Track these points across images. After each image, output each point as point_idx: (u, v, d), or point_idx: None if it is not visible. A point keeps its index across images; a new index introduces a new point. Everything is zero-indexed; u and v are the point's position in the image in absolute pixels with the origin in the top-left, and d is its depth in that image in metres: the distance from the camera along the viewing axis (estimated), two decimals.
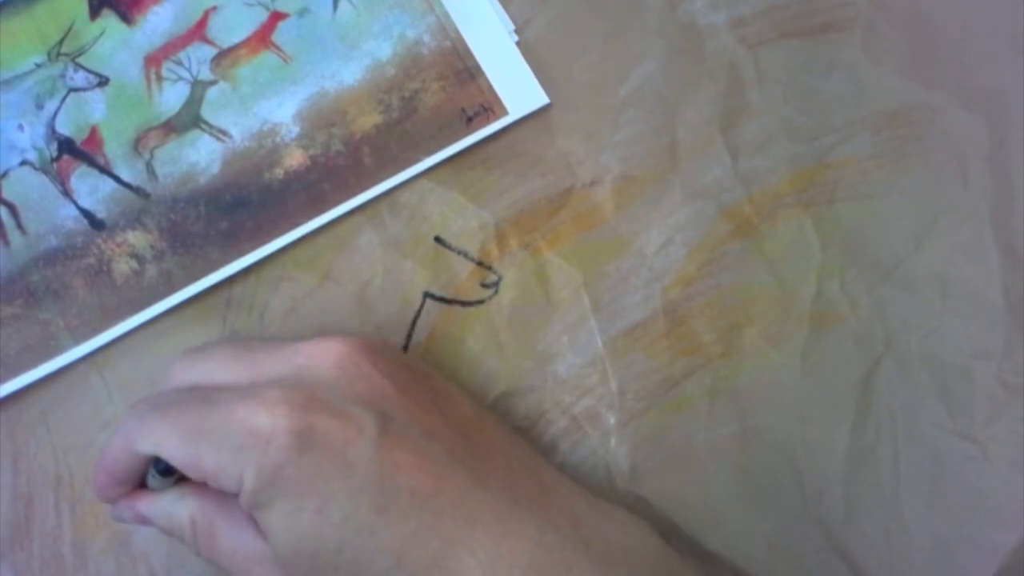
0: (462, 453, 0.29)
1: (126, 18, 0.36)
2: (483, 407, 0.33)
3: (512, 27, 0.37)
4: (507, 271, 0.36)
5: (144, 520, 0.31)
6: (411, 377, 0.31)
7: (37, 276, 0.34)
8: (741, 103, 0.37)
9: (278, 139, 0.36)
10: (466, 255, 0.36)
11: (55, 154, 0.35)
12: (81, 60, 0.36)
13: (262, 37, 0.36)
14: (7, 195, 0.35)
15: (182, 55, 0.36)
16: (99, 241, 0.35)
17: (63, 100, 0.36)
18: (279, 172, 0.35)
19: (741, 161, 0.36)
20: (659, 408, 0.35)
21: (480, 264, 0.36)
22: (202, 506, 0.30)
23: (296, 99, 0.36)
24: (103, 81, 0.36)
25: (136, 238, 0.35)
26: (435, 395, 0.31)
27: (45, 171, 0.35)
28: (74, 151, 0.35)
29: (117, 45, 0.36)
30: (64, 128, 0.35)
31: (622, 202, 0.36)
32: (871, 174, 0.36)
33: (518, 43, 0.37)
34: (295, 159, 0.36)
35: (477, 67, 0.37)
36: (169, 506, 0.30)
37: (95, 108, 0.36)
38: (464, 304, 0.36)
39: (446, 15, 0.37)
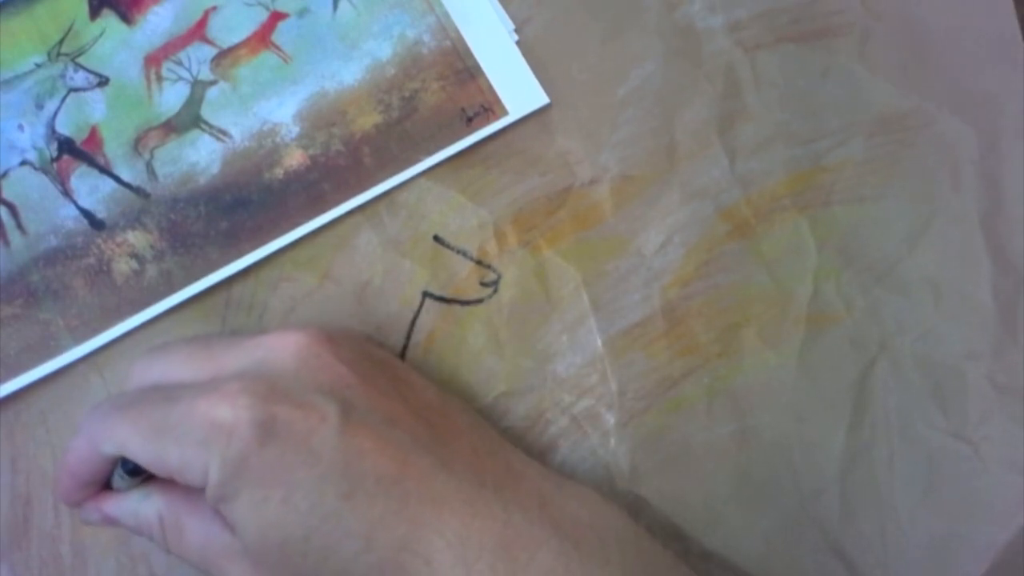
0: (426, 438, 0.29)
1: (126, 18, 0.36)
2: (448, 393, 0.33)
3: (512, 27, 0.37)
4: (506, 269, 0.36)
5: (112, 521, 0.31)
6: (372, 365, 0.31)
7: (37, 276, 0.34)
8: (738, 106, 0.37)
9: (278, 139, 0.36)
10: (465, 254, 0.36)
11: (55, 154, 0.35)
12: (81, 60, 0.36)
13: (262, 37, 0.36)
14: (7, 195, 0.35)
15: (182, 55, 0.36)
16: (99, 241, 0.35)
17: (63, 100, 0.35)
18: (279, 172, 0.35)
19: (738, 163, 0.37)
20: (658, 408, 0.35)
21: (479, 263, 0.36)
22: (169, 502, 0.30)
23: (296, 99, 0.36)
24: (103, 81, 0.36)
25: (136, 238, 0.35)
26: (397, 382, 0.31)
27: (45, 171, 0.35)
28: (74, 151, 0.35)
29: (117, 45, 0.36)
30: (64, 128, 0.35)
31: (621, 202, 0.36)
32: (866, 178, 0.37)
33: (518, 43, 0.37)
34: (295, 159, 0.36)
35: (477, 67, 0.37)
36: (135, 505, 0.30)
37: (95, 108, 0.35)
38: (463, 303, 0.36)
39: (446, 15, 0.37)
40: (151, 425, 0.28)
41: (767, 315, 0.36)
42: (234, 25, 0.36)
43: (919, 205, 0.37)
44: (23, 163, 0.35)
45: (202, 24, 0.36)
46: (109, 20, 0.36)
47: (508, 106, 0.36)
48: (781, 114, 0.37)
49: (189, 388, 0.29)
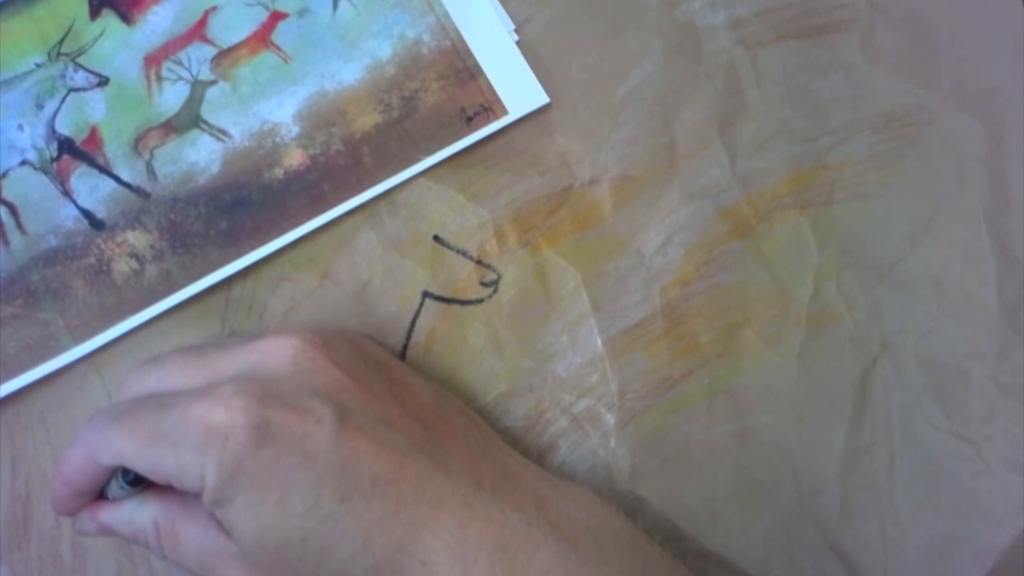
0: (422, 440, 0.29)
1: (126, 18, 0.36)
2: (445, 394, 0.33)
3: (512, 27, 0.37)
4: (506, 269, 0.36)
5: (108, 530, 0.31)
6: (368, 368, 0.31)
7: (37, 276, 0.34)
8: (739, 104, 0.37)
9: (278, 139, 0.36)
10: (465, 254, 0.36)
11: (55, 154, 0.35)
12: (81, 60, 0.36)
13: (262, 37, 0.36)
14: (7, 195, 0.35)
15: (182, 55, 0.36)
16: (99, 241, 0.35)
17: (63, 100, 0.35)
18: (279, 172, 0.35)
19: (739, 162, 0.36)
20: (658, 408, 0.35)
21: (479, 263, 0.36)
22: (164, 509, 0.30)
23: (296, 99, 0.36)
24: (103, 81, 0.36)
25: (136, 238, 0.35)
26: (393, 384, 0.31)
27: (45, 171, 0.35)
28: (74, 151, 0.35)
29: (117, 45, 0.36)
30: (64, 128, 0.35)
31: (620, 201, 0.36)
32: (868, 175, 0.36)
33: (518, 43, 0.37)
34: (295, 159, 0.36)
35: (477, 67, 0.37)
36: (131, 513, 0.30)
37: (95, 108, 0.35)
38: (463, 303, 0.36)
39: (446, 15, 0.37)
40: (147, 432, 0.28)
41: (767, 315, 0.36)
42: (234, 25, 0.36)
43: (922, 202, 0.36)
44: (23, 163, 0.35)
45: (202, 24, 0.36)
46: (109, 20, 0.36)
47: (508, 106, 0.36)
48: (782, 112, 0.37)
49: (184, 394, 0.29)
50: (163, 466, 0.28)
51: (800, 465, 0.34)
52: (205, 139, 0.36)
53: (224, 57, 0.36)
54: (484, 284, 0.36)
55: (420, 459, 0.28)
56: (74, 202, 0.35)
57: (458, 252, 0.36)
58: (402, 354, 0.35)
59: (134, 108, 0.36)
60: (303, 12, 0.37)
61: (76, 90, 0.36)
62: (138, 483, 0.30)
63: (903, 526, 0.34)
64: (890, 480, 0.34)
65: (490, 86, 0.36)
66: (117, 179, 0.35)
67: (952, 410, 0.35)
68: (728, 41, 0.37)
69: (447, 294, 0.36)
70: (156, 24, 0.36)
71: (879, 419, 0.35)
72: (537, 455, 0.35)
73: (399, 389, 0.31)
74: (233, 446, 0.27)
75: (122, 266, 0.35)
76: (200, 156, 0.35)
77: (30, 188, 0.35)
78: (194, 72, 0.36)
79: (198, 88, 0.36)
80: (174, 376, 0.30)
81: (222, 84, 0.36)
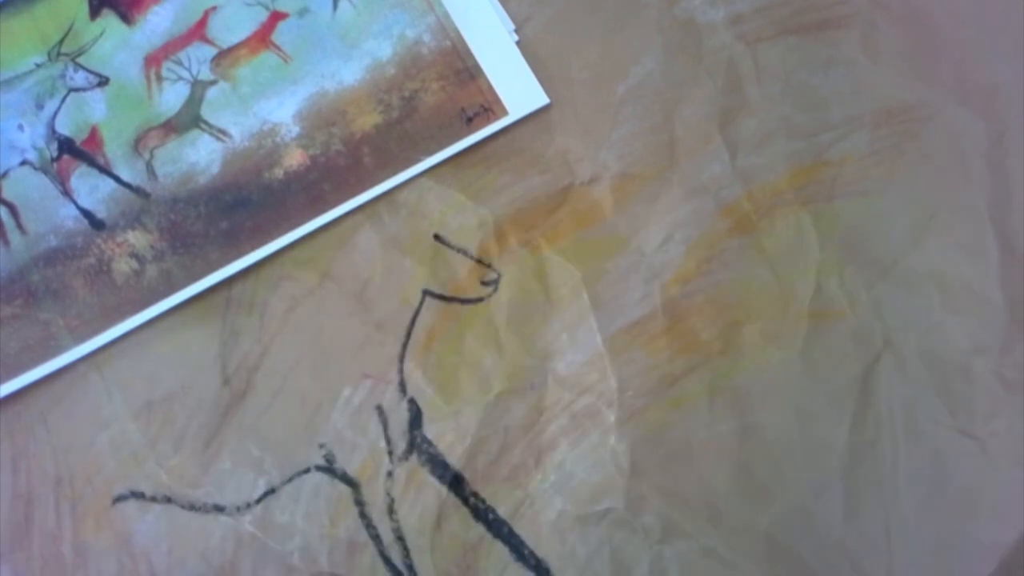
0: None
1: (126, 18, 0.36)
2: None
3: (512, 27, 0.37)
4: (506, 268, 0.36)
5: None
6: None
7: (37, 276, 0.34)
8: (739, 100, 0.37)
9: (278, 139, 0.36)
10: (465, 253, 0.36)
11: (55, 154, 0.35)
12: (81, 60, 0.36)
13: (262, 37, 0.36)
14: (7, 195, 0.35)
15: (182, 55, 0.36)
16: (99, 241, 0.35)
17: (63, 100, 0.36)
18: (279, 172, 0.35)
19: (740, 158, 0.36)
20: (659, 405, 0.35)
21: (479, 262, 0.36)
22: None
23: (296, 99, 0.36)
24: (103, 81, 0.36)
25: (136, 238, 0.35)
26: None
27: (45, 171, 0.35)
28: (74, 151, 0.35)
29: (117, 45, 0.36)
30: (64, 128, 0.35)
31: (621, 199, 0.36)
32: (869, 171, 0.36)
33: (517, 42, 0.37)
34: (295, 159, 0.36)
35: (477, 67, 0.37)
36: None
37: (95, 108, 0.36)
38: (464, 302, 0.36)
39: (446, 15, 0.37)
40: None
41: (769, 311, 0.35)
42: (234, 25, 0.36)
43: (924, 198, 0.36)
44: (23, 163, 0.35)
45: (202, 24, 0.36)
46: (109, 20, 0.36)
47: (508, 106, 0.36)
48: (783, 108, 0.37)
49: None
50: None
51: (803, 462, 0.34)
52: (205, 139, 0.36)
53: (224, 57, 0.36)
54: (484, 283, 0.36)
55: None
56: (74, 202, 0.35)
57: (458, 251, 0.36)
58: (402, 353, 0.35)
59: (134, 108, 0.36)
60: (303, 12, 0.37)
61: (76, 90, 0.36)
62: None
63: (907, 523, 0.34)
64: (894, 477, 0.34)
65: (490, 86, 0.36)
66: (117, 179, 0.35)
67: (956, 406, 0.34)
68: (728, 37, 0.37)
69: (447, 293, 0.36)
70: (156, 24, 0.36)
71: (882, 416, 0.34)
72: (537, 453, 0.35)
73: None
74: None
75: (122, 266, 0.35)
76: (200, 156, 0.35)
77: (30, 188, 0.35)
78: (194, 72, 0.36)
79: (198, 88, 0.36)
80: None
81: (222, 84, 0.36)
